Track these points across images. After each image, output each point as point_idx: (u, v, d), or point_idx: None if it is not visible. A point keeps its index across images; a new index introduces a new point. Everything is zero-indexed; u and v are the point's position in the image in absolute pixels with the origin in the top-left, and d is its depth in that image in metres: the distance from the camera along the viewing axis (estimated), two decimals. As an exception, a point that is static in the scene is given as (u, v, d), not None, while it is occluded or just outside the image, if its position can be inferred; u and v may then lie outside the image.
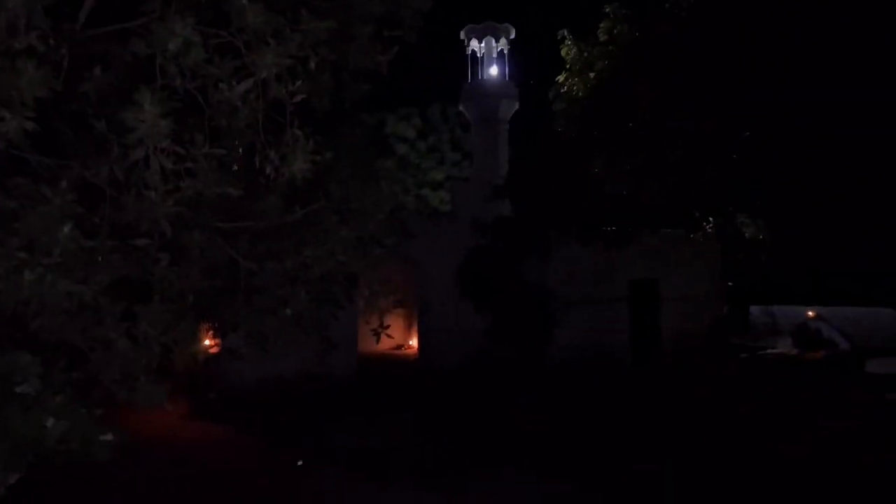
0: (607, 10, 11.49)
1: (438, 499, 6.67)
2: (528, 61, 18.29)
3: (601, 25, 11.53)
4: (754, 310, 22.87)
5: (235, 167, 3.13)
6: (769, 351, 14.76)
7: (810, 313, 15.49)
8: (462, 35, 17.47)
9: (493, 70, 17.07)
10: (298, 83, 2.92)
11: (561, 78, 12.39)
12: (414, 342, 17.70)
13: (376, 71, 4.34)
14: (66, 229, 2.54)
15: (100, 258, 2.83)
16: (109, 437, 2.86)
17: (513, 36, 17.45)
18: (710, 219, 14.57)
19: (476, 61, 17.33)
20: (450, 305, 14.69)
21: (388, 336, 4.43)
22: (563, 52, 12.28)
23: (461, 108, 16.72)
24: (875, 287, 19.43)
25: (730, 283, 19.77)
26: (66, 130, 3.12)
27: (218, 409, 10.98)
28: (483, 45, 17.18)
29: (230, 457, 8.49)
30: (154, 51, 2.66)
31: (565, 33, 12.21)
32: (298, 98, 2.99)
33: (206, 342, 11.39)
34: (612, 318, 15.82)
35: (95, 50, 3.01)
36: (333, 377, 12.47)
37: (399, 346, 18.65)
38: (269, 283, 3.96)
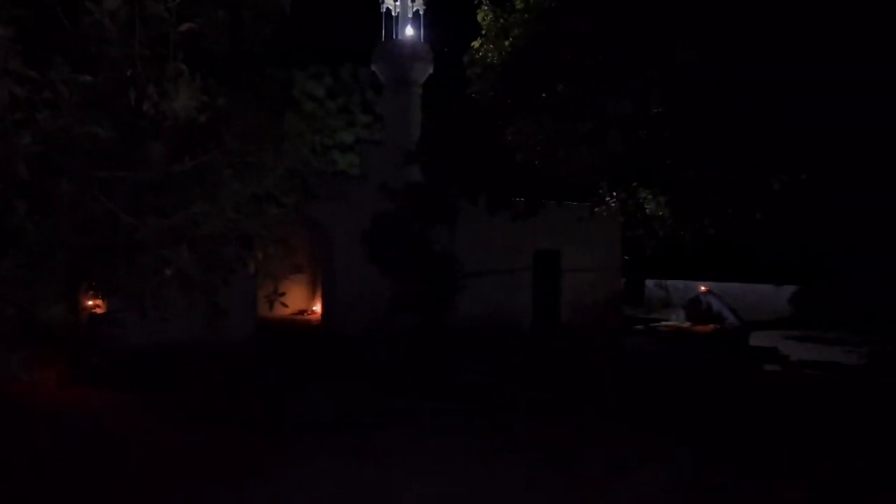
0: (525, -24, 11.32)
1: (339, 461, 6.48)
2: (444, 25, 17.97)
3: (518, -8, 11.37)
4: (649, 283, 23.92)
5: (107, 103, 2.72)
6: (662, 323, 15.38)
7: (702, 288, 16.24)
8: (377, -9, 16.90)
9: (409, 31, 16.62)
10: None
11: (476, 44, 12.18)
12: (318, 308, 17.30)
13: (280, 12, 3.97)
14: None
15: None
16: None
17: (429, -4, 17.04)
18: (614, 193, 14.89)
19: (391, 20, 16.80)
20: (355, 271, 14.39)
21: (283, 304, 4.13)
22: (479, 18, 12.05)
23: (373, 68, 16.21)
24: (758, 265, 20.69)
25: (626, 257, 20.50)
26: None
27: (103, 375, 10.27)
28: (398, 3, 16.67)
29: (105, 424, 7.94)
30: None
31: (482, -2, 11.98)
32: (186, 27, 2.62)
33: (89, 303, 10.63)
34: (515, 288, 16.03)
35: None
36: (230, 343, 11.95)
37: (302, 312, 18.21)
38: (151, 240, 3.57)
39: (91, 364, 10.66)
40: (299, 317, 17.80)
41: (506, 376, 10.94)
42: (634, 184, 14.20)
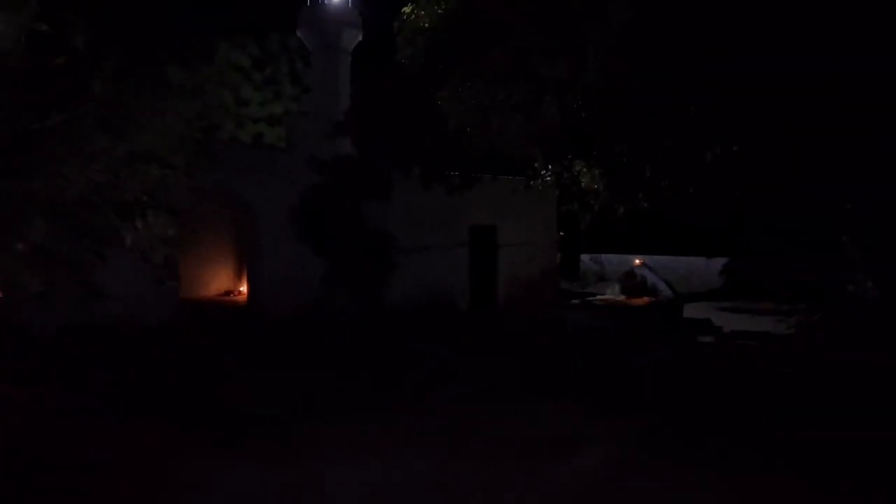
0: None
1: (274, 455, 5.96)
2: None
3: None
4: (584, 258, 23.98)
5: None
6: (598, 297, 15.30)
7: (637, 262, 16.23)
8: (302, -47, 15.98)
9: (336, -4, 15.82)
10: None
11: (407, 9, 11.57)
12: (244, 288, 16.53)
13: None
14: None
15: None
16: None
17: (358, -41, 16.23)
18: (550, 166, 14.63)
19: (317, -16, 15.94)
20: (283, 248, 13.69)
21: (168, 282, 3.55)
22: (410, -19, 11.43)
23: (299, 33, 15.37)
24: (689, 238, 20.96)
25: (561, 233, 20.42)
26: None
27: (11, 362, 9.36)
28: (325, -34, 15.83)
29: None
30: None
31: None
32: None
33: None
34: (451, 264, 15.64)
35: None
36: (148, 327, 11.17)
37: (228, 292, 17.38)
38: (3, 208, 2.95)
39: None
40: (225, 298, 16.98)
41: (440, 357, 10.57)
42: (570, 156, 13.98)
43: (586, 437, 6.46)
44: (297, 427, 6.77)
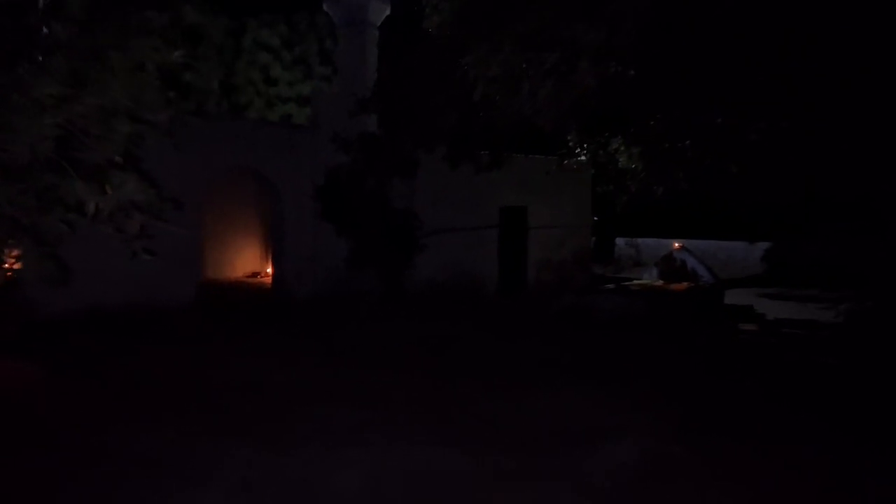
0: None
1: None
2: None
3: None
4: (620, 242, 23.22)
5: None
6: (634, 282, 14.70)
7: (676, 245, 15.54)
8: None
9: (363, -32, 15.28)
10: None
11: (436, -22, 11.02)
12: (271, 270, 16.28)
13: None
14: None
15: None
16: None
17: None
18: (585, 145, 14.01)
19: (344, -43, 15.42)
20: (307, 229, 13.34)
21: (148, 253, 3.14)
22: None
23: (325, 8, 14.88)
24: (730, 221, 20.11)
25: (596, 218, 19.71)
26: None
27: (20, 344, 9.17)
28: (352, -62, 15.29)
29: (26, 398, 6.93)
30: None
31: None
32: None
33: (5, 265, 9.45)
34: (480, 246, 15.15)
35: None
36: (166, 308, 10.91)
37: (255, 274, 17.16)
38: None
39: (7, 332, 9.55)
40: (252, 279, 16.76)
41: (466, 343, 10.11)
42: (606, 133, 13.33)
43: (618, 429, 5.96)
44: (306, 412, 6.39)
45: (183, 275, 11.36)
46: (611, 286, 16.21)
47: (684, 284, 13.77)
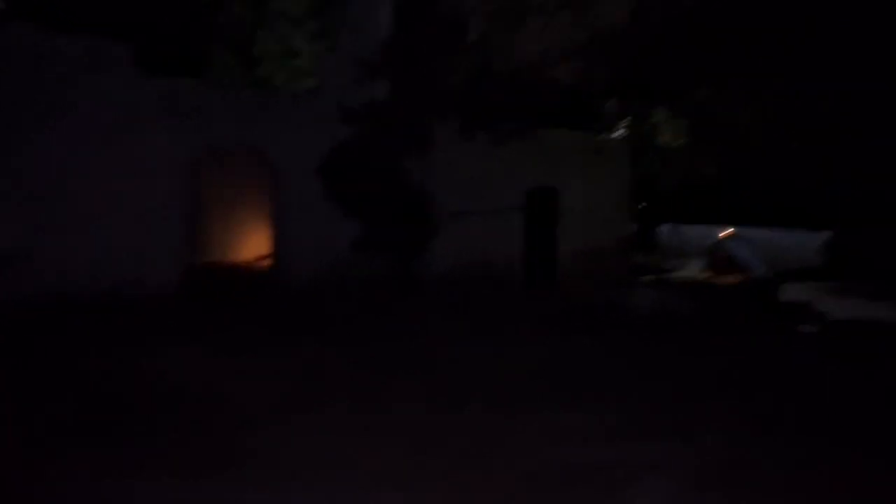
0: None
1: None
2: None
3: None
4: (663, 228, 21.35)
5: None
6: (678, 274, 13.10)
7: (725, 233, 13.79)
8: None
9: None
10: None
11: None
12: (274, 253, 15.10)
13: None
14: None
15: None
16: None
17: None
18: (624, 117, 12.37)
19: None
20: (309, 209, 12.01)
21: None
22: None
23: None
24: (794, 208, 18.16)
25: (641, 205, 17.95)
26: None
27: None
28: None
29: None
30: None
31: None
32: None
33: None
34: (503, 232, 13.66)
35: None
36: (143, 295, 9.73)
37: (260, 258, 15.98)
38: None
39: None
40: (256, 263, 15.61)
41: (480, 345, 8.69)
42: (648, 103, 11.72)
43: (649, 463, 4.51)
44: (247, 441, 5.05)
45: (162, 258, 10.17)
46: (651, 278, 14.59)
47: (734, 277, 12.11)
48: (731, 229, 14.39)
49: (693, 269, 13.17)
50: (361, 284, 11.84)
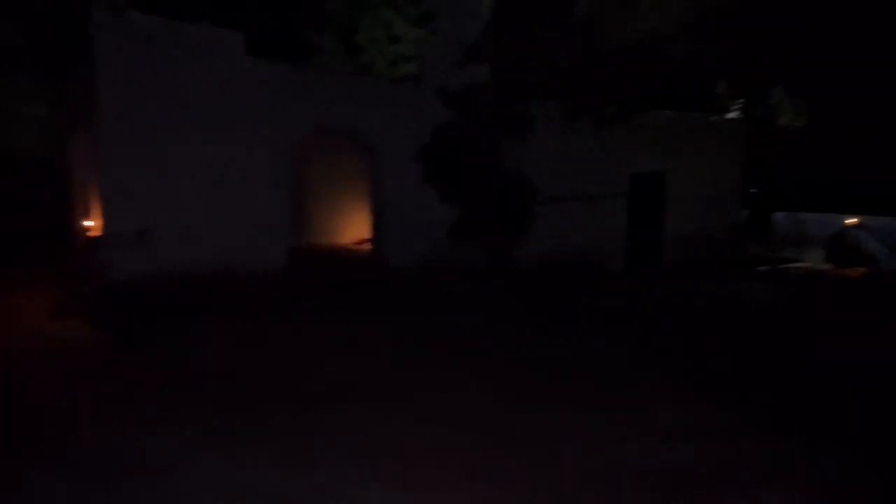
0: None
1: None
2: None
3: None
4: (780, 216, 19.98)
5: None
6: (796, 265, 12.18)
7: (850, 221, 12.69)
8: None
9: None
10: None
11: None
12: (374, 237, 15.32)
13: None
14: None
15: None
16: None
17: None
18: (737, 98, 11.62)
19: None
20: (408, 193, 12.08)
21: None
22: None
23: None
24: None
25: (753, 190, 16.84)
26: None
27: (92, 307, 8.71)
28: None
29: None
30: None
31: None
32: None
33: (86, 224, 8.91)
34: (605, 217, 13.21)
35: None
36: (249, 274, 10.11)
37: (363, 241, 16.26)
38: None
39: (82, 294, 9.14)
40: (359, 246, 15.89)
41: (578, 340, 8.44)
42: (766, 83, 10.95)
43: (762, 474, 4.16)
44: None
45: (268, 240, 10.52)
46: (766, 268, 13.70)
47: (859, 269, 11.11)
48: (856, 218, 13.23)
49: (813, 260, 12.20)
50: (458, 270, 11.80)
